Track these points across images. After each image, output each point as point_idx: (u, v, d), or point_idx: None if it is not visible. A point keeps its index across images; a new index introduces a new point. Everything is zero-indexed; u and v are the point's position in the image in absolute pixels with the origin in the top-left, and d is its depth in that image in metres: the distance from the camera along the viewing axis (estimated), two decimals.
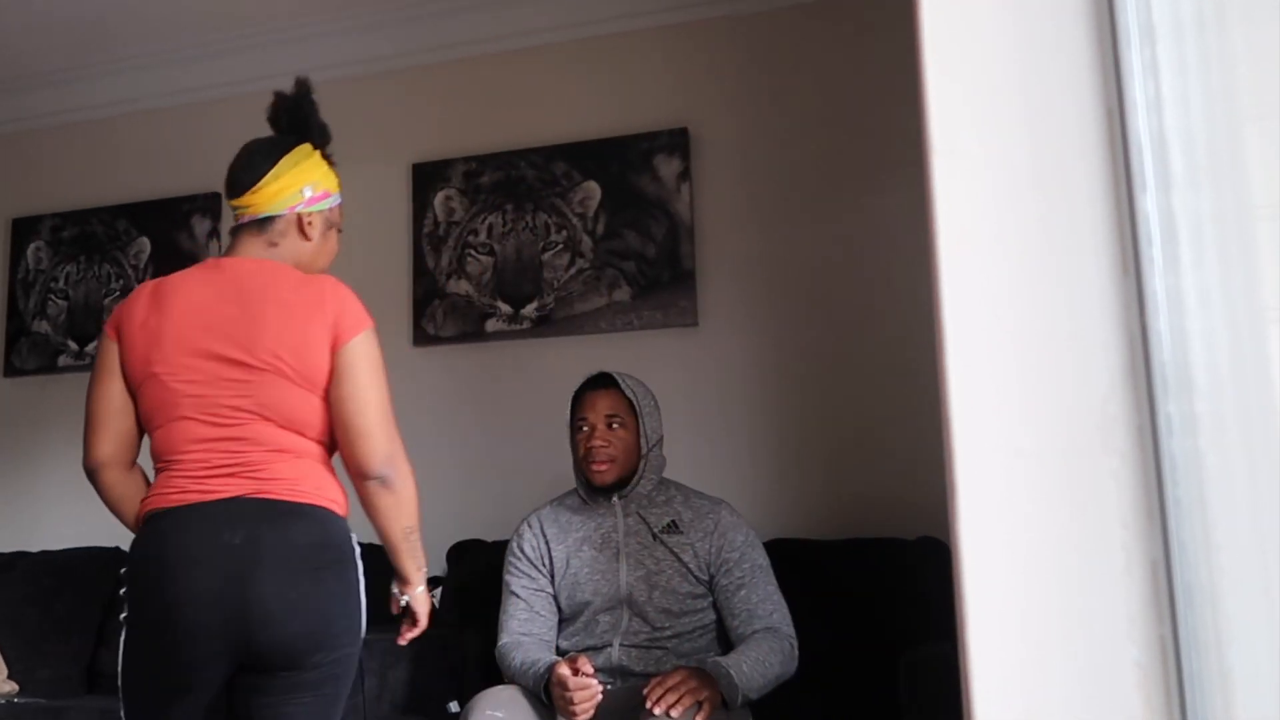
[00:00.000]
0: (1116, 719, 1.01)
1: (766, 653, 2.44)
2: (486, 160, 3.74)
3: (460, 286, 3.71)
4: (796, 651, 2.51)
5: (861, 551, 2.98)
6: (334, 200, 2.10)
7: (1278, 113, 1.07)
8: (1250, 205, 1.06)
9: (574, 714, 2.31)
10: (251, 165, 2.02)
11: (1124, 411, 1.04)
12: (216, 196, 2.26)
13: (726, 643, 2.58)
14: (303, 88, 2.09)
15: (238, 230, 2.04)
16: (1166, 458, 1.01)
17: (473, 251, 3.71)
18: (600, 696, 2.32)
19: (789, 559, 2.86)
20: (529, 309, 3.62)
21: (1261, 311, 1.05)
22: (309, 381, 1.93)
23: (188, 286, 1.99)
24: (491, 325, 3.66)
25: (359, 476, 1.98)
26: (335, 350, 1.93)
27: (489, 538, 3.31)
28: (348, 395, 1.93)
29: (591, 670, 2.32)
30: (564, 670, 2.32)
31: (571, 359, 3.34)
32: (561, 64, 3.75)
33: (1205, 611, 0.98)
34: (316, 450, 1.98)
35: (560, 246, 3.62)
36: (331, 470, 2.01)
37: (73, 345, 4.15)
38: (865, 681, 2.69)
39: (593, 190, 3.61)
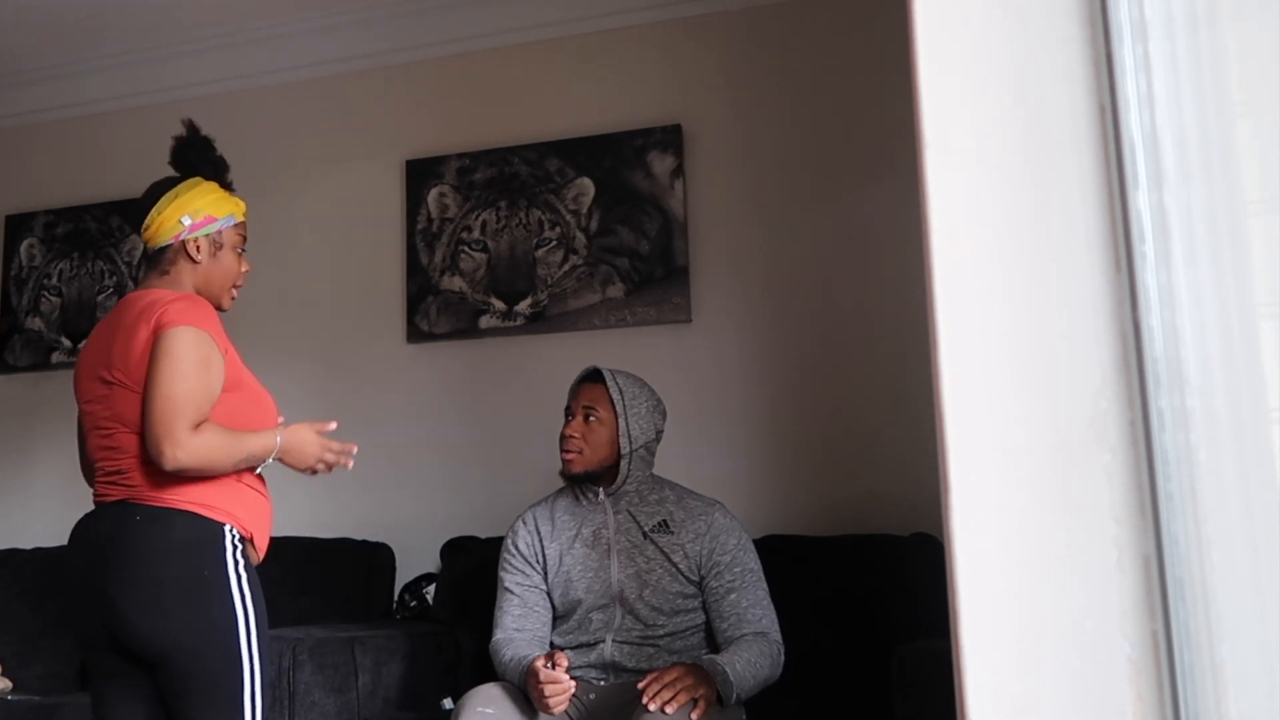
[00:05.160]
0: (1109, 714, 1.02)
1: (757, 655, 2.45)
2: (480, 156, 3.74)
3: (454, 283, 3.71)
4: (783, 657, 2.52)
5: (855, 547, 2.98)
6: (222, 223, 2.27)
7: (1269, 109, 1.07)
8: (1242, 201, 1.06)
9: (545, 707, 2.33)
10: (143, 207, 2.27)
11: (1116, 407, 1.05)
12: (170, 180, 2.29)
13: (716, 642, 2.58)
14: (191, 130, 2.33)
15: (144, 262, 2.35)
16: (1159, 453, 1.01)
17: (466, 248, 3.71)
18: (572, 690, 2.33)
19: (782, 555, 2.86)
20: (523, 305, 3.62)
21: (1253, 307, 1.05)
22: (142, 387, 2.09)
23: (100, 322, 2.29)
24: (485, 322, 3.66)
25: None
26: None
27: (483, 534, 3.31)
28: (146, 383, 2.06)
29: (566, 664, 2.33)
30: (538, 663, 2.33)
31: (565, 356, 3.34)
32: (555, 60, 3.75)
33: (1197, 606, 0.99)
34: None
35: (554, 243, 3.62)
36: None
37: (66, 342, 4.13)
38: (858, 677, 2.69)
39: (586, 187, 3.61)
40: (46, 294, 4.20)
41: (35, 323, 4.20)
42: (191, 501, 2.08)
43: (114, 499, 2.12)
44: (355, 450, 2.27)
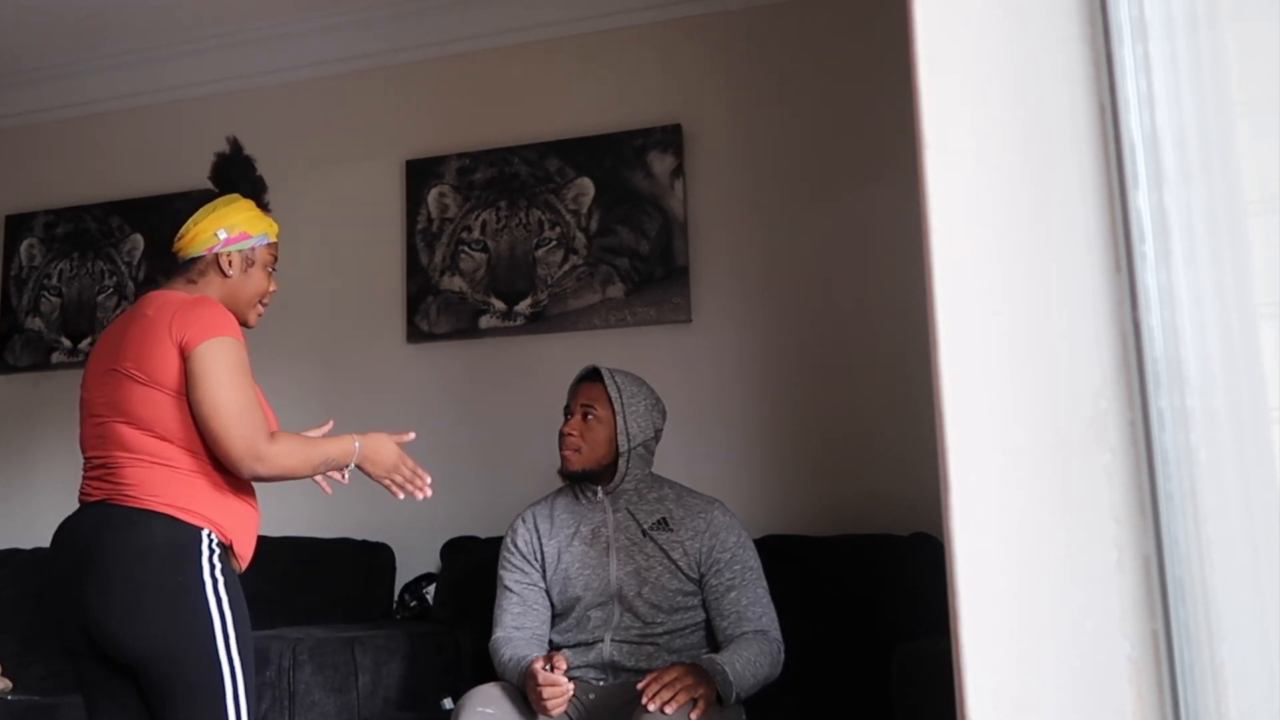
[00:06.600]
0: (1109, 714, 1.02)
1: (757, 654, 2.44)
2: (480, 156, 3.74)
3: (454, 283, 3.71)
4: (783, 656, 2.52)
5: (855, 547, 2.98)
6: (255, 241, 2.30)
7: (1269, 109, 1.07)
8: (1242, 201, 1.06)
9: (544, 709, 2.33)
10: (179, 218, 2.29)
11: (1116, 407, 1.05)
12: (209, 194, 2.31)
13: (716, 640, 2.58)
14: (235, 148, 2.36)
15: (146, 259, 2.33)
16: (1159, 453, 1.01)
17: (466, 248, 3.71)
18: (571, 692, 2.33)
19: (782, 555, 2.86)
20: (523, 305, 3.62)
21: (1253, 307, 1.05)
22: (154, 380, 2.08)
23: (114, 321, 2.30)
24: (485, 322, 3.66)
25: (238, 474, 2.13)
26: (184, 358, 2.08)
27: (483, 534, 3.31)
28: (198, 400, 2.07)
29: (565, 667, 2.33)
30: (537, 665, 2.33)
31: (565, 356, 3.34)
32: (555, 60, 3.75)
33: (1197, 606, 0.99)
34: (172, 452, 2.10)
35: (554, 243, 3.62)
36: (189, 473, 2.11)
37: (66, 342, 4.13)
38: (858, 677, 2.69)
39: (586, 187, 3.61)
40: (46, 294, 4.20)
41: (35, 323, 4.20)
42: (170, 505, 2.06)
43: (95, 499, 2.12)
44: (430, 480, 2.31)
